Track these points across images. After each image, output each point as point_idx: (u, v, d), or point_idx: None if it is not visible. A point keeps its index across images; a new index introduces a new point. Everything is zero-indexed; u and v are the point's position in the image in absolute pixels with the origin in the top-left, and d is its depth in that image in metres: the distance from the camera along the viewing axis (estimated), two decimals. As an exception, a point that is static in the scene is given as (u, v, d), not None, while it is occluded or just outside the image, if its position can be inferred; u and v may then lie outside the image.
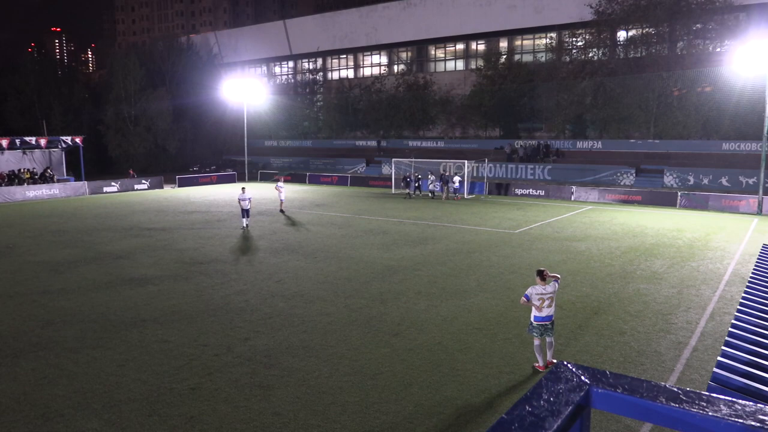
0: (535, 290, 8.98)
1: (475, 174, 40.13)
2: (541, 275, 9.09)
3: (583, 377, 1.56)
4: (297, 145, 59.06)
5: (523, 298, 9.06)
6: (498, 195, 36.58)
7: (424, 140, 51.87)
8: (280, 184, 28.41)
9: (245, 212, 22.73)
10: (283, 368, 9.11)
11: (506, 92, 46.74)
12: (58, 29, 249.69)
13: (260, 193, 36.09)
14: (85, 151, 41.79)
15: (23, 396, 8.18)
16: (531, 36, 50.16)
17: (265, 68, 68.80)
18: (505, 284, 14.37)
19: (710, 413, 1.36)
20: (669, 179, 36.42)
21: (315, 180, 46.27)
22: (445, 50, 55.83)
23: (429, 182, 35.84)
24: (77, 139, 38.98)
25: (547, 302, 8.95)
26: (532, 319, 9.08)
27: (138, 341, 10.34)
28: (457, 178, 34.79)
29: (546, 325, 9.02)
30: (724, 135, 37.97)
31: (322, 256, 17.78)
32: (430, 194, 36.13)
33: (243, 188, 23.55)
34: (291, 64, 66.90)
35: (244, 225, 22.87)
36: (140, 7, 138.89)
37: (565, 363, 1.67)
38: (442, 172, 36.65)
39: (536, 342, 9.08)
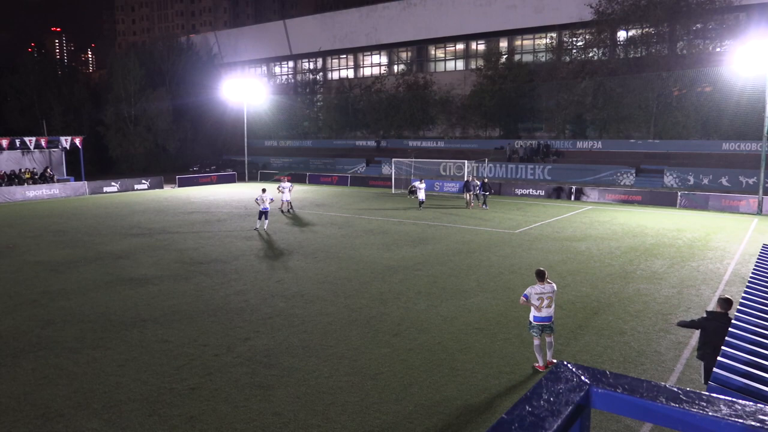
0: (534, 290, 9.02)
1: (475, 174, 40.12)
2: (540, 275, 9.13)
3: (583, 377, 1.56)
4: (297, 145, 59.07)
5: (522, 298, 9.10)
6: (498, 195, 36.56)
7: (424, 140, 51.87)
8: (284, 184, 27.85)
9: (264, 214, 22.33)
10: (283, 368, 9.11)
11: (506, 92, 46.74)
12: (58, 29, 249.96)
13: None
14: (85, 151, 41.78)
15: (23, 396, 8.18)
16: (531, 36, 50.13)
17: (265, 68, 68.78)
18: (505, 284, 14.37)
19: (710, 413, 1.36)
20: (669, 179, 36.42)
21: (315, 180, 46.27)
22: (445, 50, 55.82)
23: (419, 187, 30.22)
24: (76, 140, 38.98)
25: (546, 302, 8.97)
26: (531, 318, 9.10)
27: (138, 341, 10.34)
28: (477, 182, 30.64)
29: (546, 324, 9.03)
30: (724, 135, 37.96)
31: (322, 256, 17.77)
32: (411, 195, 32.92)
33: (264, 189, 23.54)
34: (291, 64, 66.88)
35: (257, 226, 22.81)
36: (140, 7, 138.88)
37: (565, 363, 1.67)
38: (467, 178, 32.34)
39: (536, 342, 9.10)
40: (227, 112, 55.34)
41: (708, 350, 7.63)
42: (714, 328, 7.59)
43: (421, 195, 29.75)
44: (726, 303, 7.88)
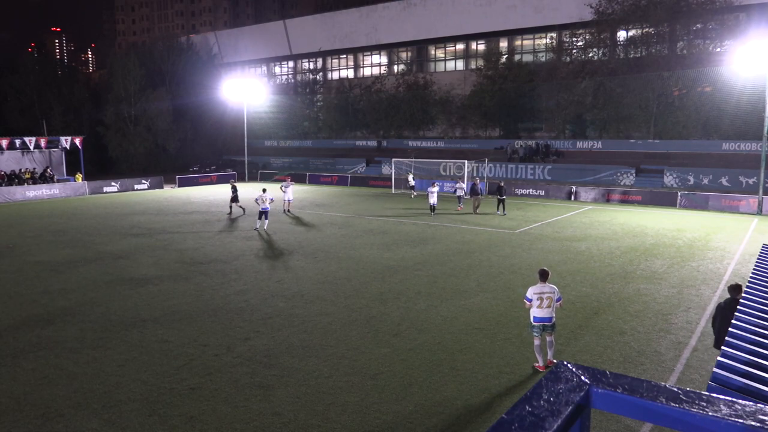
0: (534, 289, 9.08)
1: (475, 174, 40.12)
2: (542, 276, 9.16)
3: (583, 377, 1.56)
4: (297, 145, 59.08)
5: (526, 301, 9.19)
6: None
7: (424, 140, 51.87)
8: (285, 183, 27.92)
9: (264, 214, 22.46)
10: (283, 368, 9.11)
11: (506, 92, 46.73)
12: (58, 29, 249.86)
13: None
14: (85, 151, 41.78)
15: (23, 396, 8.18)
16: (531, 36, 50.14)
17: (265, 68, 68.78)
18: (505, 284, 14.37)
19: (710, 413, 1.36)
20: (669, 179, 36.41)
21: (315, 180, 46.27)
22: (445, 50, 55.81)
23: (431, 190, 27.45)
24: (76, 140, 38.97)
25: (545, 302, 8.98)
26: (531, 318, 9.12)
27: (138, 341, 10.34)
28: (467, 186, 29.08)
29: (546, 325, 9.04)
30: (724, 135, 37.96)
31: (322, 256, 17.77)
32: (411, 189, 35.59)
33: (264, 189, 23.67)
34: (291, 64, 66.87)
35: (257, 226, 22.86)
36: (140, 7, 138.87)
37: (565, 363, 1.66)
38: (473, 180, 30.09)
39: (536, 342, 9.10)
40: (227, 112, 55.34)
41: (716, 322, 8.37)
42: (725, 308, 8.14)
43: (433, 199, 26.95)
44: (735, 290, 8.23)
